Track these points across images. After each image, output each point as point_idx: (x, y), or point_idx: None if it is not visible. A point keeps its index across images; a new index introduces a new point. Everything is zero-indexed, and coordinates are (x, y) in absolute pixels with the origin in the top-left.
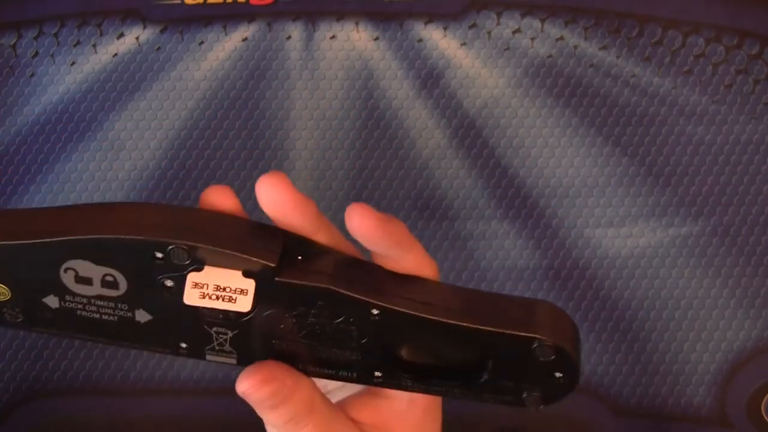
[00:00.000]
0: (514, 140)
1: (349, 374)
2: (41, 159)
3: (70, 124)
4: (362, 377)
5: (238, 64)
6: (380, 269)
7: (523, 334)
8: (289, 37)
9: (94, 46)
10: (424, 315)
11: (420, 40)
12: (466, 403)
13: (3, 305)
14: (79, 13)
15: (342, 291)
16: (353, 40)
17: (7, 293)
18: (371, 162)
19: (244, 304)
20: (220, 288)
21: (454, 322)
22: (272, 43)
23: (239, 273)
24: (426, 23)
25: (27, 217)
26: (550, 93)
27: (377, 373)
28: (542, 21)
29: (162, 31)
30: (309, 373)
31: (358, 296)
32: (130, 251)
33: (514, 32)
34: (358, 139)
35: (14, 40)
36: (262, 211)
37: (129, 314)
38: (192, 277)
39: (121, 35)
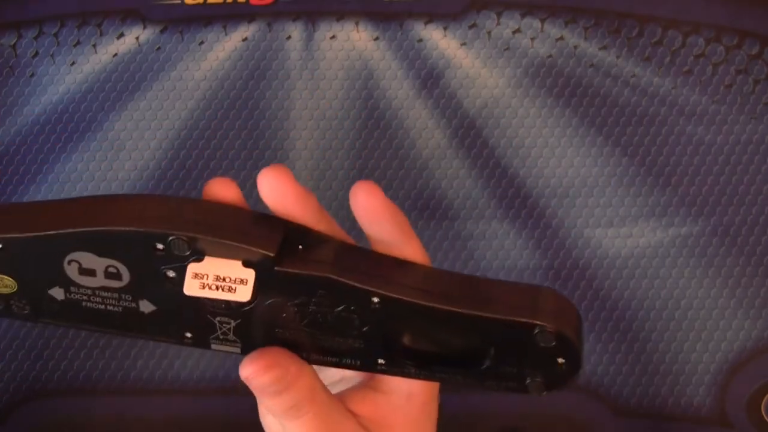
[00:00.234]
0: (514, 140)
1: (353, 362)
2: (41, 159)
3: (70, 124)
4: (366, 365)
5: (238, 64)
6: (380, 256)
7: (524, 320)
8: (289, 37)
9: (94, 46)
10: (424, 302)
11: (420, 40)
12: (466, 402)
13: (10, 297)
14: (79, 13)
15: (342, 280)
16: (353, 40)
17: (13, 285)
18: (371, 162)
19: (243, 294)
20: (220, 278)
21: (454, 309)
22: (272, 43)
23: (239, 263)
24: (426, 23)
25: (30, 210)
26: (550, 93)
27: (380, 361)
28: (542, 21)
29: (162, 31)
30: (312, 361)
31: (358, 285)
32: (131, 243)
33: (514, 32)
34: (358, 139)
35: (14, 40)
36: (263, 209)
37: (133, 305)
38: (192, 268)
39: (121, 35)
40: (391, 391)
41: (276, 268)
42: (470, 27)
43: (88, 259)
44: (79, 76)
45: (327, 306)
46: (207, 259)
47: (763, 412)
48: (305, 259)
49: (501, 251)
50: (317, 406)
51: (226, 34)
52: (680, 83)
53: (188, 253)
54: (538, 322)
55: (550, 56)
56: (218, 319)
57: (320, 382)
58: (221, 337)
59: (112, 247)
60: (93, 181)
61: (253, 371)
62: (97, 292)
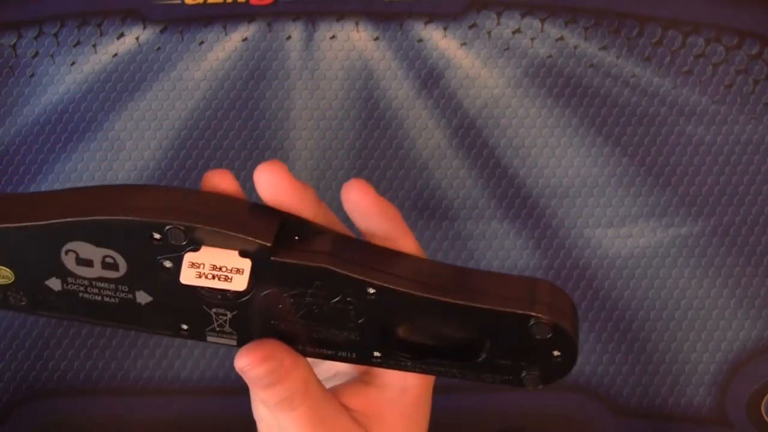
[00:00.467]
0: (514, 140)
1: (349, 354)
2: (41, 159)
3: (70, 124)
4: (361, 357)
5: (238, 64)
6: (377, 248)
7: (519, 311)
8: (289, 37)
9: (94, 46)
10: (420, 293)
11: (420, 40)
12: (466, 402)
13: (7, 288)
14: (79, 13)
15: (338, 270)
16: (353, 40)
17: (10, 276)
18: (371, 162)
19: (239, 283)
20: (216, 267)
21: (450, 300)
22: (272, 43)
23: (236, 253)
24: (426, 23)
25: (27, 200)
26: (550, 93)
27: (376, 354)
28: (542, 21)
29: (162, 31)
30: (308, 354)
31: (353, 275)
32: (128, 232)
33: (514, 32)
34: (358, 139)
35: (14, 40)
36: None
37: (130, 296)
38: (189, 257)
39: (121, 35)
40: (384, 385)
41: (272, 258)
42: (470, 27)
43: (85, 249)
44: (79, 76)
45: (323, 297)
46: (204, 249)
47: (763, 412)
48: (301, 250)
49: (501, 251)
50: (310, 399)
51: (226, 34)
52: (680, 83)
53: (185, 242)
54: (533, 314)
55: (550, 56)
56: (214, 310)
57: (314, 375)
58: (217, 329)
59: (109, 237)
60: (93, 181)
61: (248, 363)
62: (94, 282)
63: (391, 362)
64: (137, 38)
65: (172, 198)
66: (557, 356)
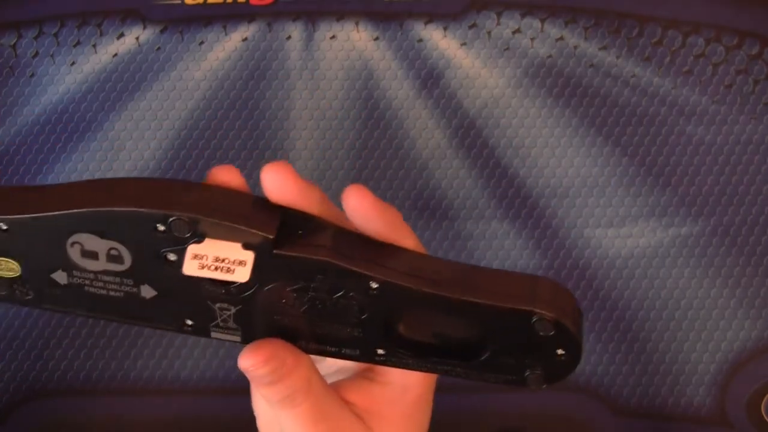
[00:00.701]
0: (514, 140)
1: (352, 351)
2: (41, 159)
3: (70, 124)
4: (364, 354)
5: (238, 64)
6: (380, 244)
7: (522, 307)
8: (289, 37)
9: (94, 46)
10: (423, 288)
11: (420, 40)
12: (466, 402)
13: (13, 282)
14: (79, 13)
15: (340, 264)
16: (353, 40)
17: (17, 269)
18: (371, 162)
19: (242, 274)
20: (219, 259)
21: (452, 296)
22: (272, 43)
23: (239, 245)
24: (426, 23)
25: (32, 192)
26: (550, 93)
27: (379, 351)
28: (542, 21)
29: (162, 31)
30: (311, 351)
31: (356, 269)
32: (132, 224)
33: (514, 32)
34: (358, 139)
35: (14, 40)
36: None
37: (134, 290)
38: (192, 249)
39: (121, 35)
40: (387, 382)
41: (275, 250)
42: (470, 27)
43: (91, 241)
44: (79, 76)
45: (325, 291)
46: (207, 241)
47: (763, 412)
48: (304, 243)
49: (501, 251)
50: (312, 396)
51: (226, 34)
52: (680, 83)
53: (188, 234)
54: (536, 310)
55: (550, 56)
56: (218, 305)
57: (317, 372)
58: (221, 324)
59: (114, 228)
60: None
61: (251, 363)
62: (99, 276)
63: (393, 360)
64: (137, 38)
65: (176, 190)
66: (561, 355)
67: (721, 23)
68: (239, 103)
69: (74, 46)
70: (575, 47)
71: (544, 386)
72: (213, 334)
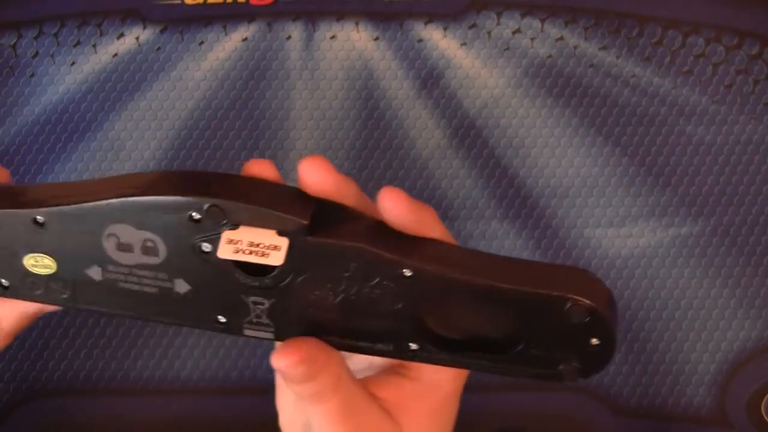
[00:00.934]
0: (514, 140)
1: (385, 347)
2: (41, 159)
3: (70, 124)
4: (398, 349)
5: (238, 64)
6: (413, 235)
7: (555, 293)
8: (289, 37)
9: (94, 46)
10: (456, 275)
11: (420, 40)
12: (467, 402)
13: (49, 279)
14: (79, 13)
15: (374, 250)
16: (353, 40)
17: (53, 266)
18: (371, 162)
19: (276, 258)
20: (254, 244)
21: (486, 282)
22: (272, 43)
23: (273, 232)
24: (426, 23)
25: (65, 187)
26: (550, 93)
27: (412, 345)
28: (542, 21)
29: (162, 31)
30: (345, 347)
31: (390, 255)
32: (168, 212)
33: (514, 32)
34: (358, 139)
35: (14, 40)
36: None
37: (168, 284)
38: (227, 235)
39: (121, 35)
40: (417, 378)
41: (309, 237)
42: (470, 27)
43: (126, 233)
44: (79, 76)
45: (359, 280)
46: (242, 228)
47: (763, 412)
48: (338, 231)
49: (501, 251)
50: (342, 393)
51: (226, 34)
52: (680, 83)
53: (224, 222)
54: (570, 295)
55: (550, 56)
56: (252, 299)
57: (346, 369)
58: (254, 320)
59: (150, 218)
60: None
61: (286, 364)
62: (133, 270)
63: (426, 355)
64: (137, 38)
65: (211, 179)
66: (595, 344)
67: (721, 23)
68: (239, 103)
69: (74, 46)
70: (575, 47)
71: (580, 379)
72: (246, 332)
